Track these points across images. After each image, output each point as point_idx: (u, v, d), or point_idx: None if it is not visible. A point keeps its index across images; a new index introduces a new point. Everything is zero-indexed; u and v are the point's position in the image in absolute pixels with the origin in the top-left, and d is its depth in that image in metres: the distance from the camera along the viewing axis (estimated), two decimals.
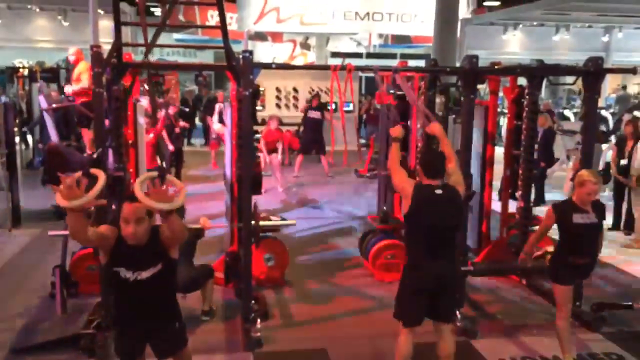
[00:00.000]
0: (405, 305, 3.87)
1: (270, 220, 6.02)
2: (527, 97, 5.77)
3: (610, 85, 24.47)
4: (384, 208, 6.74)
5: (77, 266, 5.51)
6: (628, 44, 25.33)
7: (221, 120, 10.56)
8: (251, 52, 4.77)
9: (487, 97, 7.51)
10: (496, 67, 6.76)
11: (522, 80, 6.08)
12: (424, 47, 21.58)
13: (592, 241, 4.25)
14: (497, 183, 6.76)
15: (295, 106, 15.96)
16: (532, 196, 6.34)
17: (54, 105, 10.51)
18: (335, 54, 23.12)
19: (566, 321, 4.26)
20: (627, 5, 19.34)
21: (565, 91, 23.90)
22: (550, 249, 4.61)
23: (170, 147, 9.74)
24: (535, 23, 24.51)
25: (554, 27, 24.14)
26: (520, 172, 5.95)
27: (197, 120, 17.96)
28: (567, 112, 19.80)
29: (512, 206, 6.32)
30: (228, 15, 7.74)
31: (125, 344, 3.25)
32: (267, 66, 7.08)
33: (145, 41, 4.76)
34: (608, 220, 5.51)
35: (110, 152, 5.00)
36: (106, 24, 17.93)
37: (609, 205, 7.15)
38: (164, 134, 9.17)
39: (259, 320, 4.78)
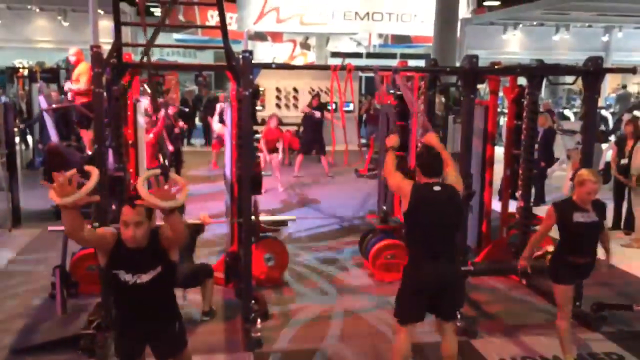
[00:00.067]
0: (404, 304, 3.87)
1: (269, 222, 6.03)
2: (527, 96, 5.77)
3: (610, 85, 24.50)
4: (384, 208, 6.74)
5: (77, 266, 5.51)
6: (628, 43, 25.34)
7: (222, 121, 10.56)
8: (251, 52, 4.77)
9: (487, 96, 7.51)
10: (496, 67, 6.76)
11: (522, 80, 6.09)
12: (424, 47, 21.59)
13: (593, 240, 4.25)
14: (497, 183, 6.75)
15: (295, 106, 15.96)
16: (532, 196, 6.34)
17: (54, 106, 10.52)
18: (335, 54, 23.13)
19: (567, 321, 4.25)
20: (627, 5, 19.35)
21: (565, 91, 23.91)
22: (551, 248, 4.61)
23: (170, 148, 9.75)
24: (535, 23, 24.53)
25: (554, 26, 24.15)
26: (520, 171, 5.95)
27: (197, 121, 17.95)
28: (567, 112, 19.82)
29: (512, 206, 6.32)
30: (228, 15, 7.74)
31: (124, 345, 3.25)
32: (267, 66, 7.07)
33: (145, 41, 4.77)
34: (608, 220, 5.50)
35: (110, 152, 5.00)
36: (106, 24, 17.95)
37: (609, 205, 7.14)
38: (164, 134, 9.17)
39: (259, 320, 4.78)
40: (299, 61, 22.29)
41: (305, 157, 12.40)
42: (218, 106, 11.75)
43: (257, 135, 5.23)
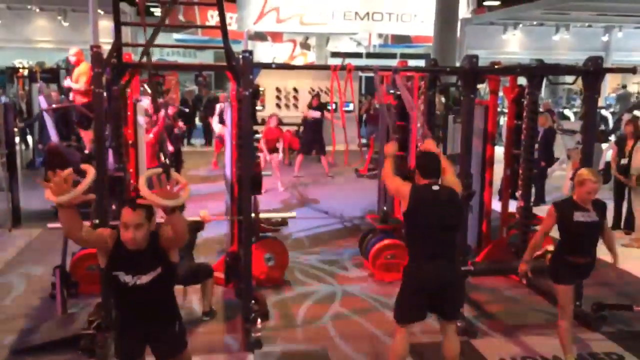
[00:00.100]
0: (404, 304, 3.87)
1: (270, 219, 6.03)
2: (527, 96, 5.78)
3: (610, 85, 24.50)
4: (384, 208, 6.74)
5: (78, 266, 5.51)
6: (628, 43, 25.34)
7: (222, 121, 10.57)
8: (251, 52, 4.77)
9: (487, 96, 7.51)
10: (496, 66, 6.76)
11: (522, 80, 6.09)
12: (424, 47, 21.60)
13: (593, 240, 4.25)
14: (497, 183, 6.75)
15: (295, 106, 15.96)
16: (532, 196, 6.34)
17: (54, 106, 10.52)
18: (335, 54, 23.13)
19: (568, 322, 4.25)
20: (627, 5, 19.35)
21: (565, 91, 23.92)
22: (551, 248, 4.60)
23: (170, 148, 9.75)
24: (535, 23, 24.53)
25: (554, 26, 24.15)
26: (520, 171, 5.95)
27: (197, 120, 17.95)
28: (567, 112, 19.82)
29: (512, 206, 6.32)
30: (228, 15, 7.73)
31: (124, 346, 3.24)
32: (267, 66, 7.10)
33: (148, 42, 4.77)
34: (608, 220, 5.50)
35: (110, 152, 5.00)
36: (106, 24, 17.94)
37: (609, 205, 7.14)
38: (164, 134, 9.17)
39: (259, 320, 4.78)
40: (299, 61, 22.29)
41: (305, 157, 12.40)
42: (217, 107, 11.76)
43: (257, 135, 5.23)
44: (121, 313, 3.22)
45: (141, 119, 6.10)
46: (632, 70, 5.63)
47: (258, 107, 5.20)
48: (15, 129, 9.60)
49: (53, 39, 22.65)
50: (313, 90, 14.88)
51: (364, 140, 14.56)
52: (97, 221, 4.67)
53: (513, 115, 6.25)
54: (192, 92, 18.61)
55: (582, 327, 5.02)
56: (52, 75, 15.47)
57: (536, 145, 6.40)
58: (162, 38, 4.95)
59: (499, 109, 8.86)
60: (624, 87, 22.17)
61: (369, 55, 23.96)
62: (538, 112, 6.06)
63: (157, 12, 20.36)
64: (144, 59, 4.76)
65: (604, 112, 18.31)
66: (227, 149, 6.04)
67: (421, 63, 14.91)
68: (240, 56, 4.73)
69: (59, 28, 22.07)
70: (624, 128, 8.33)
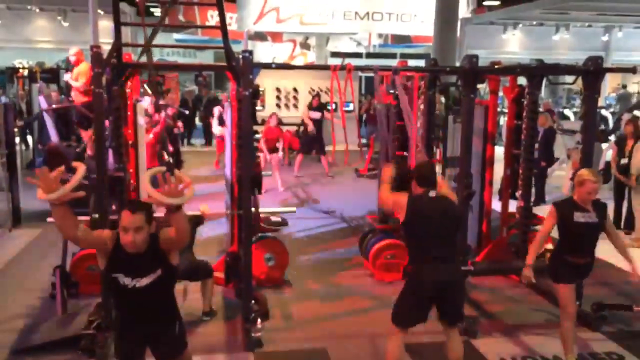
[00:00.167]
0: (404, 308, 3.87)
1: (269, 219, 6.03)
2: (527, 96, 5.77)
3: (610, 85, 24.49)
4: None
5: (78, 266, 5.51)
6: (628, 43, 25.33)
7: (221, 123, 10.56)
8: (251, 52, 4.77)
9: (487, 96, 7.50)
10: (496, 66, 6.76)
11: (522, 80, 6.08)
12: (424, 47, 21.59)
13: (593, 241, 4.24)
14: (497, 182, 6.75)
15: (295, 106, 15.95)
16: (532, 196, 6.33)
17: (54, 106, 10.52)
18: (335, 54, 23.13)
19: (572, 322, 4.23)
20: (627, 5, 19.34)
21: (565, 90, 23.91)
22: (550, 246, 4.60)
23: (170, 148, 9.75)
24: (535, 22, 24.53)
25: (554, 26, 24.15)
26: (520, 171, 5.95)
27: (197, 120, 17.95)
28: (567, 112, 19.81)
29: (512, 206, 6.32)
30: (228, 15, 7.74)
31: (124, 347, 3.23)
32: (267, 66, 7.09)
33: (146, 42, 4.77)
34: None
35: (110, 152, 5.00)
36: (106, 24, 17.94)
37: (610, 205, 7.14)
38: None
39: (259, 320, 4.78)
40: (299, 61, 22.28)
41: (305, 157, 12.40)
42: (216, 110, 11.75)
43: (257, 135, 5.23)
44: (121, 314, 3.21)
45: (141, 119, 6.09)
46: (632, 70, 5.63)
47: (258, 107, 5.20)
48: (15, 129, 9.60)
49: (53, 39, 22.65)
50: (313, 90, 14.88)
51: (364, 140, 14.57)
52: (96, 215, 4.67)
53: (513, 115, 6.25)
54: (192, 92, 18.61)
55: (582, 326, 5.01)
56: (52, 75, 15.47)
57: (536, 145, 6.40)
58: (162, 38, 4.97)
59: (499, 109, 8.85)
60: (624, 87, 22.18)
61: (369, 55, 23.95)
62: (538, 112, 6.05)
63: (157, 12, 20.37)
64: (144, 59, 4.76)
65: (604, 112, 18.31)
66: (227, 149, 6.03)
67: (421, 63, 14.91)
68: (240, 56, 4.73)
69: (59, 28, 22.06)
70: (624, 128, 8.34)
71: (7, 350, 4.49)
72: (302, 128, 13.20)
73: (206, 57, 24.27)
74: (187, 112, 15.22)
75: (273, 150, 10.71)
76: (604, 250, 4.39)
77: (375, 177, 9.07)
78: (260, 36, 21.73)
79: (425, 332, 4.46)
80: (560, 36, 24.45)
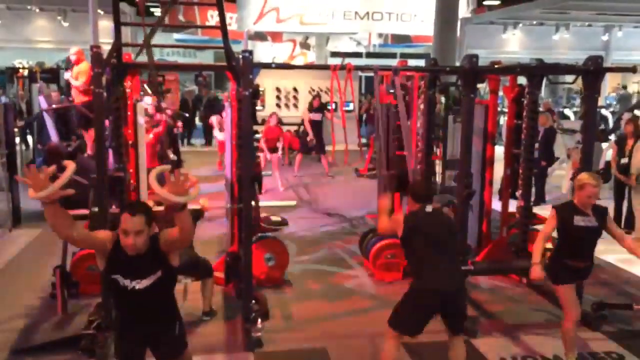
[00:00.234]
0: (404, 316, 3.86)
1: (269, 219, 6.02)
2: (527, 96, 5.77)
3: (610, 84, 24.48)
4: None
5: (78, 266, 5.50)
6: (628, 42, 25.33)
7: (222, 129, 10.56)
8: (251, 52, 4.77)
9: (487, 96, 7.50)
10: (496, 66, 6.76)
11: (522, 80, 6.08)
12: (424, 47, 21.60)
13: (592, 245, 4.23)
14: (497, 182, 6.75)
15: (295, 106, 15.96)
16: (533, 195, 6.33)
17: (54, 106, 10.52)
18: (335, 54, 23.13)
19: (574, 324, 4.22)
20: (627, 4, 19.35)
21: (565, 90, 23.92)
22: (549, 246, 4.59)
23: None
24: (535, 22, 24.53)
25: (554, 26, 24.15)
26: (520, 171, 5.95)
27: (197, 120, 17.95)
28: (567, 111, 19.82)
29: (513, 205, 6.32)
30: (228, 15, 7.73)
31: (124, 347, 3.22)
32: (267, 66, 7.08)
33: (144, 41, 4.77)
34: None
35: (110, 152, 5.00)
36: (106, 24, 17.94)
37: (610, 204, 7.14)
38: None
39: (259, 320, 4.78)
40: (298, 61, 22.29)
41: (305, 157, 12.40)
42: (215, 118, 11.75)
43: (257, 135, 5.23)
44: (121, 314, 3.21)
45: (141, 119, 6.09)
46: (632, 70, 5.63)
47: (258, 107, 5.20)
48: (15, 129, 9.60)
49: (53, 39, 22.65)
50: (313, 90, 14.89)
51: (364, 140, 14.57)
52: (95, 209, 4.67)
53: (513, 114, 6.24)
54: (192, 92, 18.61)
55: (582, 326, 5.01)
56: (52, 75, 15.49)
57: (536, 145, 6.40)
58: (162, 38, 4.99)
59: (499, 109, 8.85)
60: (624, 87, 22.18)
61: (369, 55, 23.94)
62: (538, 112, 6.05)
63: (157, 12, 20.35)
64: (142, 58, 4.76)
65: (604, 111, 18.31)
66: (227, 149, 6.03)
67: (421, 63, 14.89)
68: (240, 56, 4.73)
69: (58, 28, 22.06)
70: (624, 127, 8.33)
71: (7, 350, 4.49)
72: (302, 128, 13.21)
73: (206, 57, 24.27)
74: (187, 115, 15.23)
75: (273, 149, 10.71)
76: (604, 250, 4.38)
77: (375, 177, 9.06)
78: (260, 36, 21.74)
79: (425, 332, 4.45)
80: (560, 36, 24.46)
